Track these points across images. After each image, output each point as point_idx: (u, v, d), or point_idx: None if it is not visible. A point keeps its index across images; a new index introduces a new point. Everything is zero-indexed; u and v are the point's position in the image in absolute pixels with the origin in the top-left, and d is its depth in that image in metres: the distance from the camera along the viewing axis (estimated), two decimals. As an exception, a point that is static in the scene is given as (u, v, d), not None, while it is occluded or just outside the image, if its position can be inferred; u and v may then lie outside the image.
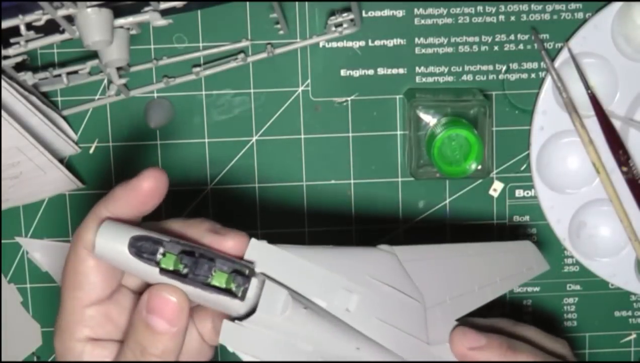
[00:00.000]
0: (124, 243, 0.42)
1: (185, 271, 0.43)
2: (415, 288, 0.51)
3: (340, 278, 0.48)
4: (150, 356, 0.43)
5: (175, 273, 0.43)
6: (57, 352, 0.45)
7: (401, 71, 0.62)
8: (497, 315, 0.59)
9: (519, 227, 0.64)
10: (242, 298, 0.44)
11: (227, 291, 0.43)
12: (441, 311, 0.52)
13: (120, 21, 0.53)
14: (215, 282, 0.43)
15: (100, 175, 0.62)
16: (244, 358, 0.45)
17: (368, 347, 0.48)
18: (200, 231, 0.45)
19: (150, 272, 0.43)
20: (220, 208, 0.63)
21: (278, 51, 0.61)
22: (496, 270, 0.56)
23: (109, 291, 0.45)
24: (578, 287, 0.65)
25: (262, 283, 0.44)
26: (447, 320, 0.53)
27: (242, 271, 0.44)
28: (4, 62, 0.54)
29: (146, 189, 0.44)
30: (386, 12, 0.61)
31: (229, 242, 0.45)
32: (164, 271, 0.42)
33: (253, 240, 0.45)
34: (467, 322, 0.54)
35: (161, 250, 0.42)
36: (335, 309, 0.47)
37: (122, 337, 0.45)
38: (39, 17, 0.50)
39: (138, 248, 0.42)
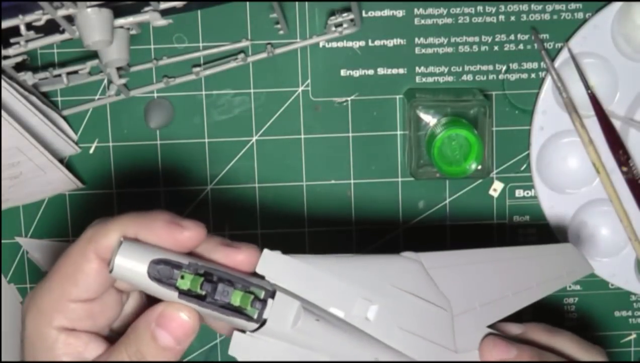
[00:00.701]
0: (144, 267, 0.42)
1: (203, 292, 0.43)
2: (442, 296, 0.50)
3: (358, 287, 0.47)
4: None
5: (193, 296, 0.43)
6: (27, 331, 0.45)
7: (401, 71, 0.62)
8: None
9: (518, 227, 0.64)
10: (258, 320, 0.43)
11: (243, 314, 0.43)
12: (471, 318, 0.51)
13: (120, 21, 0.53)
14: (232, 304, 0.43)
15: (100, 175, 0.62)
16: None
17: (387, 357, 0.48)
18: (211, 245, 0.45)
19: (170, 295, 0.43)
20: (220, 208, 0.63)
21: (278, 51, 0.61)
22: (533, 274, 0.54)
23: (100, 294, 0.45)
24: (578, 287, 0.65)
25: (273, 294, 0.44)
26: (478, 326, 0.52)
27: (258, 294, 0.44)
28: (4, 62, 0.54)
29: (186, 238, 0.44)
30: (386, 12, 0.61)
31: (239, 256, 0.45)
32: (182, 293, 0.42)
33: (266, 250, 0.45)
34: (499, 328, 0.53)
35: (180, 273, 0.42)
36: (354, 318, 0.47)
37: (97, 331, 0.45)
38: (39, 17, 0.50)
39: (157, 272, 0.42)
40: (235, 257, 0.45)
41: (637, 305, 0.66)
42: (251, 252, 0.45)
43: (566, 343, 0.55)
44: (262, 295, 0.44)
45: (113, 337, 0.46)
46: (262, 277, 0.45)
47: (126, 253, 0.42)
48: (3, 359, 0.65)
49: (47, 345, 0.44)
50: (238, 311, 0.43)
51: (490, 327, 0.53)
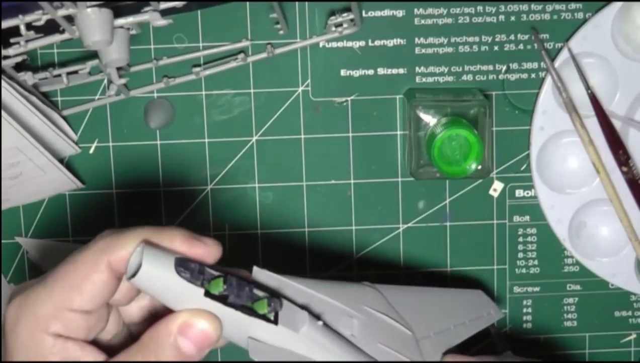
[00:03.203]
0: (170, 266, 0.41)
1: (226, 294, 0.43)
2: (405, 321, 0.53)
3: (340, 304, 0.48)
4: None
5: (218, 297, 0.42)
6: (18, 334, 0.43)
7: (401, 71, 0.62)
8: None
9: (519, 227, 0.64)
10: (276, 322, 0.43)
11: (263, 317, 0.43)
12: (429, 344, 0.54)
13: (120, 21, 0.53)
14: (255, 306, 0.43)
15: (100, 175, 0.62)
16: None
17: None
18: (175, 240, 0.44)
19: (196, 294, 0.42)
20: (220, 208, 0.63)
21: (278, 51, 0.61)
22: (450, 315, 0.58)
23: (100, 307, 0.44)
24: (578, 287, 0.65)
25: (281, 301, 0.45)
26: (436, 352, 0.54)
27: (273, 297, 0.44)
28: (4, 62, 0.54)
29: (205, 252, 0.44)
30: (386, 12, 0.61)
31: (203, 249, 0.44)
32: (208, 293, 0.42)
33: (255, 268, 0.45)
34: (454, 355, 0.56)
35: (205, 273, 0.42)
36: (343, 330, 0.48)
37: (86, 339, 0.45)
38: (39, 17, 0.50)
39: (184, 269, 0.42)
40: (196, 249, 0.44)
41: (637, 305, 0.66)
42: (214, 247, 0.44)
43: None
44: (279, 297, 0.44)
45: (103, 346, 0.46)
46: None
47: (150, 256, 0.41)
48: (3, 359, 0.65)
49: (42, 350, 0.43)
50: (255, 313, 0.43)
51: (445, 353, 0.56)
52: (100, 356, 0.44)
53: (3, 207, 0.61)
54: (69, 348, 0.44)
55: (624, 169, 0.61)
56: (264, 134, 0.62)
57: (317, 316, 0.47)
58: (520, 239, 0.65)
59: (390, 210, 0.64)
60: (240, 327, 0.44)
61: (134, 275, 0.41)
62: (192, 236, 0.44)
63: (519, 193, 0.64)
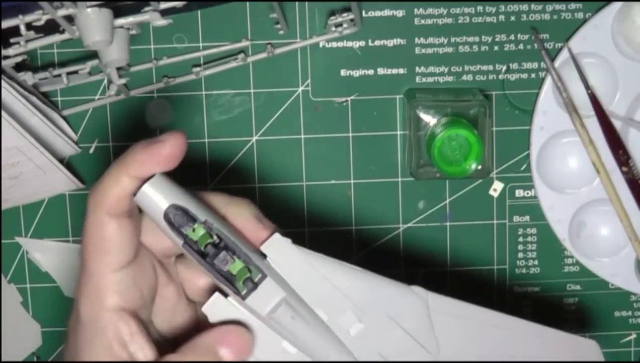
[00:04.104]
0: (163, 206, 0.44)
1: (206, 252, 0.44)
2: (432, 340, 0.49)
3: (353, 302, 0.47)
4: None
5: (196, 250, 0.44)
6: (84, 318, 0.45)
7: (401, 71, 0.62)
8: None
9: (519, 227, 0.64)
10: (244, 297, 0.44)
11: (233, 286, 0.44)
12: None
13: (120, 21, 0.53)
14: (229, 271, 0.44)
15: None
16: None
17: None
18: (242, 214, 0.46)
19: (175, 241, 0.44)
20: (220, 208, 0.63)
21: (278, 51, 0.61)
22: (540, 355, 0.51)
23: (134, 252, 0.45)
24: (578, 287, 0.65)
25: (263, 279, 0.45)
26: None
27: (254, 274, 0.45)
28: (4, 62, 0.54)
29: (168, 154, 0.44)
30: (386, 12, 0.61)
31: (267, 233, 0.46)
32: (187, 244, 0.44)
33: (277, 234, 0.46)
34: None
35: (193, 226, 0.44)
36: (336, 326, 0.47)
37: (143, 306, 0.46)
38: (39, 17, 0.50)
39: (173, 216, 0.44)
40: (260, 235, 0.46)
41: (637, 305, 0.66)
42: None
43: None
44: (257, 277, 0.45)
45: (157, 339, 0.47)
46: (265, 256, 0.45)
47: (153, 187, 0.44)
48: (3, 359, 0.65)
49: (101, 327, 0.44)
50: (230, 281, 0.44)
51: None
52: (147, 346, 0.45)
53: (3, 207, 0.61)
54: (121, 329, 0.45)
55: (624, 169, 0.61)
56: (264, 134, 0.62)
57: (308, 305, 0.46)
58: (520, 239, 0.65)
59: (390, 210, 0.64)
60: (219, 284, 0.45)
61: (135, 194, 0.44)
62: (149, 142, 0.45)
63: (519, 193, 0.64)
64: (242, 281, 0.44)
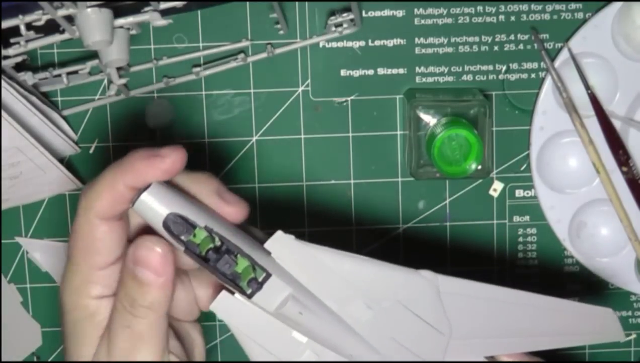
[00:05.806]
0: (162, 215, 0.43)
1: (209, 256, 0.44)
2: (444, 320, 0.49)
3: (362, 291, 0.47)
4: (139, 308, 0.44)
5: (198, 255, 0.44)
6: (66, 307, 0.46)
7: (401, 71, 0.62)
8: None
9: (519, 227, 0.64)
10: (250, 296, 0.45)
11: (239, 286, 0.45)
12: (469, 346, 0.50)
13: (120, 21, 0.53)
14: (233, 273, 0.44)
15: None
16: (234, 330, 0.46)
17: (368, 356, 0.48)
18: (204, 191, 0.46)
19: (177, 248, 0.44)
20: (220, 208, 0.63)
21: (278, 51, 0.61)
22: (556, 326, 0.51)
23: (122, 250, 0.45)
24: (578, 287, 0.65)
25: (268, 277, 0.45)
26: (476, 354, 0.50)
27: (259, 274, 0.45)
28: (4, 62, 0.54)
29: (168, 169, 0.44)
30: (386, 12, 0.61)
31: (229, 209, 0.46)
32: (189, 250, 0.44)
33: (279, 232, 0.46)
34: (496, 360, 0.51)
35: (193, 231, 0.44)
36: (346, 315, 0.47)
37: None
38: (39, 17, 0.50)
39: (172, 224, 0.44)
40: (223, 209, 0.45)
41: (637, 305, 0.66)
42: (240, 208, 0.46)
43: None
44: (262, 277, 0.45)
45: None
46: (269, 253, 0.46)
47: (152, 195, 0.43)
48: (3, 359, 0.65)
49: (89, 313, 0.45)
50: (235, 282, 0.44)
51: (487, 358, 0.51)
52: None
53: (3, 207, 0.61)
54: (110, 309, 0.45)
55: (624, 169, 0.61)
56: (264, 134, 0.62)
57: (316, 298, 0.46)
58: (520, 239, 0.65)
59: (390, 210, 0.64)
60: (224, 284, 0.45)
61: (133, 204, 0.44)
62: (150, 154, 0.44)
63: (519, 193, 0.64)
64: (246, 282, 0.44)
